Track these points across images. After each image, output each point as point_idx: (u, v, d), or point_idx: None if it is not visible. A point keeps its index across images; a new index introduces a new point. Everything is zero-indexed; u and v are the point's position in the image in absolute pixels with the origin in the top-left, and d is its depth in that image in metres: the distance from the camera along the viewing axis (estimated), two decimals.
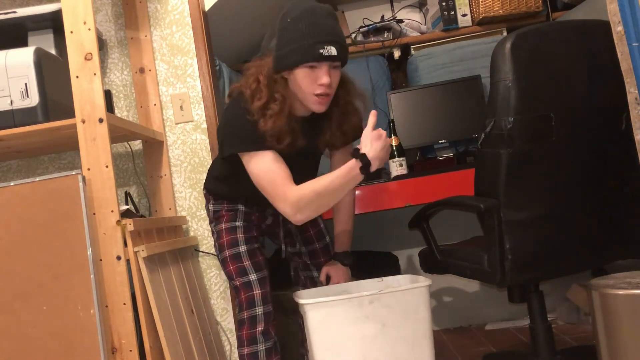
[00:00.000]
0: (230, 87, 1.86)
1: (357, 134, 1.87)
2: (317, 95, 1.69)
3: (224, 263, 1.94)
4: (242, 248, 1.92)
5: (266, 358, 1.85)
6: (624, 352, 1.51)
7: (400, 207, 2.42)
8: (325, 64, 1.66)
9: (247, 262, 1.90)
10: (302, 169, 1.82)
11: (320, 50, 1.63)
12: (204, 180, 2.36)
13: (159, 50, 2.42)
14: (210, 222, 2.03)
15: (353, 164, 1.63)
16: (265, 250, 2.11)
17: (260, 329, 1.85)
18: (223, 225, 1.96)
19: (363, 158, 1.62)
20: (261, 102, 1.70)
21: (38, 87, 1.85)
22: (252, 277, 1.87)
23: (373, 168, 1.64)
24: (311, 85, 1.67)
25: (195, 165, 2.38)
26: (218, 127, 1.95)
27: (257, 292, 1.85)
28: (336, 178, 1.65)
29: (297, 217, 1.68)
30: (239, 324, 1.89)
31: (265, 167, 1.70)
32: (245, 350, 1.85)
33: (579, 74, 1.77)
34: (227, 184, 1.97)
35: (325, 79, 1.65)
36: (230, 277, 1.92)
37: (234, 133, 1.74)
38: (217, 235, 1.98)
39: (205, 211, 2.07)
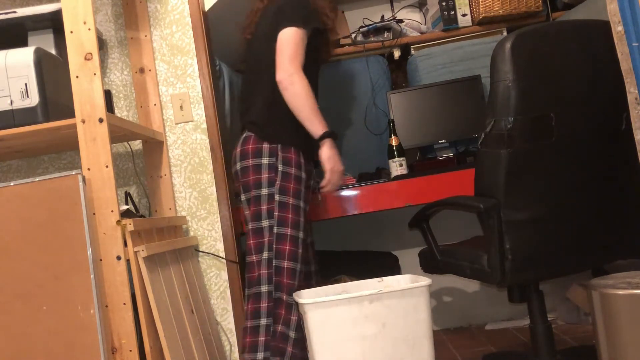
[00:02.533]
0: None
1: None
2: None
3: (280, 238, 1.91)
4: (304, 235, 1.96)
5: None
6: (624, 352, 1.51)
7: (400, 207, 2.42)
8: None
9: (299, 250, 1.93)
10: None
11: None
12: (204, 180, 2.37)
13: (159, 50, 2.42)
14: (267, 184, 1.95)
15: (326, 127, 1.95)
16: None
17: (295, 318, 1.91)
18: (291, 200, 1.95)
19: (327, 137, 1.95)
20: None
21: (38, 87, 1.85)
22: (298, 266, 1.92)
23: (320, 153, 1.97)
24: None
25: (195, 165, 2.38)
26: (290, 5, 2.00)
27: (296, 283, 1.92)
28: (319, 113, 1.95)
29: (284, 79, 1.90)
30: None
31: (303, 44, 1.94)
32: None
33: (579, 74, 1.77)
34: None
35: None
36: (278, 256, 1.91)
37: (303, 10, 1.97)
38: (281, 205, 1.92)
39: (251, 167, 1.97)
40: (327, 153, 1.97)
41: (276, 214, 1.93)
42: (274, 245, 1.92)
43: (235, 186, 2.07)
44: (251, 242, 1.96)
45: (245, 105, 2.10)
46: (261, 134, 1.98)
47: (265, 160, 1.96)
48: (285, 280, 1.90)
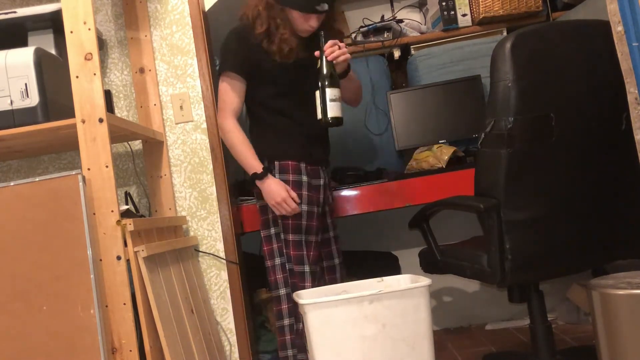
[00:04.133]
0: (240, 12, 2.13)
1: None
2: (304, 29, 2.06)
3: (285, 244, 2.04)
4: (306, 237, 2.05)
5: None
6: (624, 352, 1.51)
7: (400, 207, 2.42)
8: (317, 15, 2.02)
9: (305, 252, 2.03)
10: (311, 84, 2.02)
11: (317, 7, 1.98)
12: (204, 180, 2.37)
13: (159, 50, 2.42)
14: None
15: (258, 168, 2.04)
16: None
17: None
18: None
19: (260, 175, 2.04)
20: (263, 28, 2.03)
21: (38, 87, 1.85)
22: (306, 268, 2.02)
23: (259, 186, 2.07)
24: (302, 24, 2.04)
25: (195, 165, 2.38)
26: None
27: (309, 284, 2.01)
28: (247, 155, 2.05)
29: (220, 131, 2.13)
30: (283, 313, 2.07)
31: (228, 89, 2.08)
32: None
33: (578, 73, 1.77)
34: (283, 122, 2.10)
35: (314, 24, 2.03)
36: (288, 260, 2.03)
37: (225, 51, 2.11)
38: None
39: (249, 180, 2.09)
40: (266, 190, 2.07)
41: (280, 221, 2.06)
42: (284, 251, 2.05)
43: None
44: (264, 248, 2.09)
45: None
46: (259, 154, 2.08)
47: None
48: (298, 283, 2.01)
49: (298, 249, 2.02)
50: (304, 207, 2.04)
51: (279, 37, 2.02)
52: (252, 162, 2.04)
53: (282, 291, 2.06)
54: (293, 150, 2.08)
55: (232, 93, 2.07)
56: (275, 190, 2.00)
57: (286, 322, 2.05)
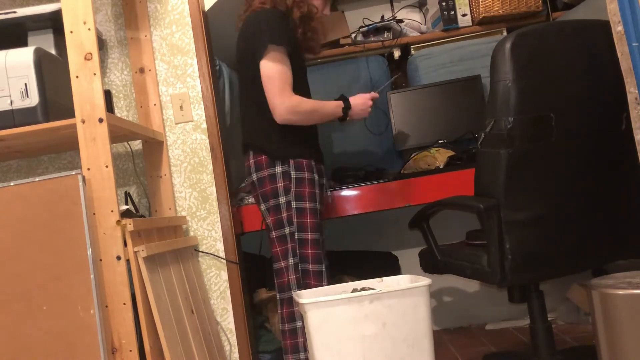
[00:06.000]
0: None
1: None
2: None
3: (302, 243, 1.99)
4: (322, 236, 2.03)
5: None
6: (624, 352, 1.51)
7: (400, 207, 2.42)
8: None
9: (322, 251, 2.01)
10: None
11: None
12: (204, 180, 2.37)
13: (159, 50, 2.42)
14: (283, 192, 2.00)
15: (340, 104, 2.08)
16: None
17: None
18: (308, 204, 2.01)
19: (347, 103, 2.09)
20: (298, 14, 2.04)
21: (38, 87, 1.85)
22: (323, 267, 2.00)
23: (350, 116, 2.12)
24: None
25: (195, 165, 2.38)
26: (254, 29, 2.00)
27: (325, 283, 1.99)
28: (326, 105, 2.05)
29: (285, 118, 1.96)
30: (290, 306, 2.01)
31: (283, 65, 1.95)
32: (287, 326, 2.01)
33: (578, 74, 1.77)
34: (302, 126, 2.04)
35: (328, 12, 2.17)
36: (303, 260, 1.98)
37: (270, 27, 1.97)
38: (298, 212, 1.99)
39: (267, 177, 2.01)
40: (355, 112, 2.12)
41: (295, 220, 2.00)
42: (298, 251, 2.00)
43: (252, 195, 2.17)
44: (277, 249, 2.02)
45: (243, 124, 2.15)
46: (271, 155, 2.02)
47: (279, 169, 2.01)
48: (313, 283, 1.98)
49: (317, 247, 2.00)
50: (318, 206, 2.03)
51: (312, 29, 2.06)
52: (332, 106, 2.07)
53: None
54: (306, 148, 2.06)
55: (287, 68, 1.95)
56: (362, 103, 2.11)
57: (299, 324, 1.99)
